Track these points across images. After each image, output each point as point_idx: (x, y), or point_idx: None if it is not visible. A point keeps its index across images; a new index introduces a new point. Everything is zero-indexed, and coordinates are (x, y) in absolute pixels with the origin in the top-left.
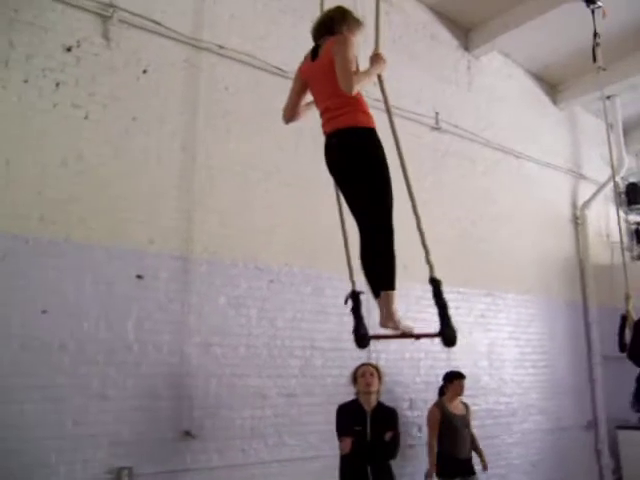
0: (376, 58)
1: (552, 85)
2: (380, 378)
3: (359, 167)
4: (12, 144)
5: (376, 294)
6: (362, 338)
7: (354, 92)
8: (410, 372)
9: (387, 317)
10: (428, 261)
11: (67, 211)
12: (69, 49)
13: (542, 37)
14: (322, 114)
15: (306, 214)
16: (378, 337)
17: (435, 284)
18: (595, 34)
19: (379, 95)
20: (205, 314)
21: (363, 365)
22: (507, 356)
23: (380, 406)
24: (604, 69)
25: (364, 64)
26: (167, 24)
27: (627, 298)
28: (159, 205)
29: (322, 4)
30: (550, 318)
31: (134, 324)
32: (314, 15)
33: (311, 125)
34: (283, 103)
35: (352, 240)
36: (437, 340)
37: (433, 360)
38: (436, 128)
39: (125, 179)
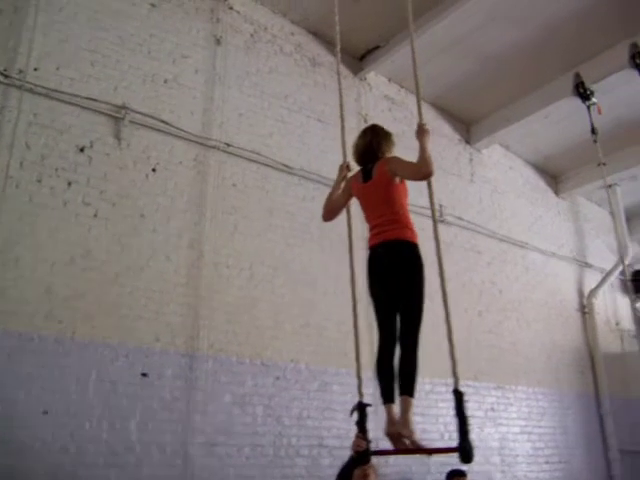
0: (421, 130)
1: (553, 176)
2: (376, 475)
3: (401, 276)
4: (22, 242)
5: (389, 399)
6: (364, 453)
7: (433, 170)
8: (420, 470)
9: (403, 424)
10: (454, 373)
11: (73, 308)
12: (82, 149)
13: (542, 130)
14: (372, 229)
15: (313, 310)
16: (384, 453)
17: (459, 396)
18: (593, 130)
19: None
20: (210, 413)
21: None
22: (520, 451)
23: None
24: (604, 164)
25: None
26: (176, 124)
27: None
28: (166, 302)
29: (342, 119)
30: (562, 411)
31: (137, 424)
32: (319, 114)
33: (318, 221)
34: (290, 198)
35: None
36: (447, 435)
37: (444, 457)
38: (440, 220)
39: (132, 276)
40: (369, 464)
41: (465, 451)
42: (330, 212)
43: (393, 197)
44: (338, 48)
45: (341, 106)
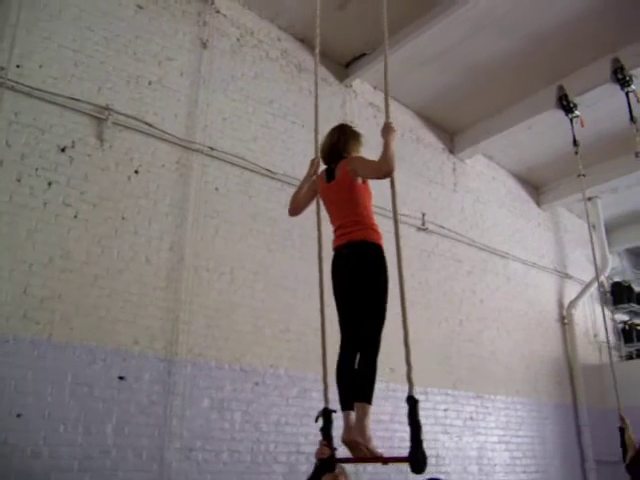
0: (386, 128)
1: (535, 187)
2: None
3: (364, 278)
4: (0, 242)
5: (347, 405)
6: (330, 460)
7: (394, 168)
8: (397, 477)
9: (358, 431)
10: (409, 378)
11: (51, 310)
12: (63, 149)
13: (525, 141)
14: (336, 230)
15: (293, 316)
16: (346, 460)
17: (412, 403)
18: (575, 142)
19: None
20: (188, 418)
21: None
22: (498, 461)
23: None
24: (584, 175)
25: None
26: (160, 126)
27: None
28: (145, 305)
29: (316, 118)
30: (540, 421)
31: (113, 428)
32: (304, 120)
33: (300, 227)
34: (273, 204)
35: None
36: (425, 444)
37: None
38: (423, 229)
39: (111, 278)
40: (340, 470)
41: (417, 461)
42: (295, 209)
43: (356, 198)
44: (317, 50)
45: (316, 106)
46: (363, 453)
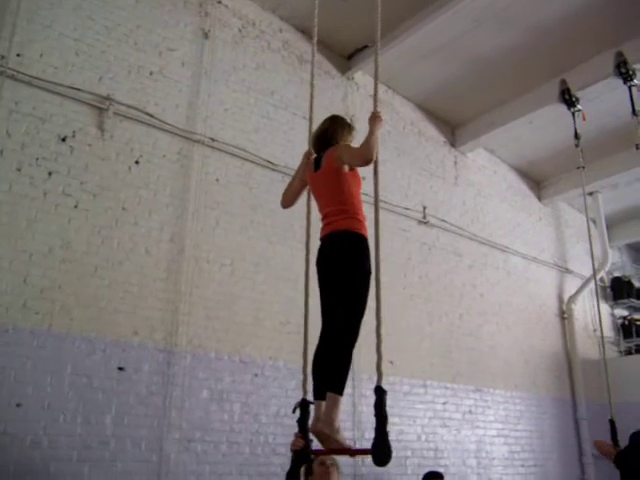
0: (373, 117)
1: (536, 181)
2: (338, 473)
3: (344, 268)
4: (0, 232)
5: (319, 395)
6: (304, 452)
7: (375, 156)
8: (396, 471)
9: (325, 422)
10: (379, 368)
11: (51, 300)
12: (64, 139)
13: (526, 135)
14: (322, 219)
15: (293, 308)
16: (318, 452)
17: (380, 393)
18: (576, 135)
19: (367, 189)
20: (187, 409)
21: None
22: (496, 454)
23: None
24: (583, 167)
25: None
26: (161, 117)
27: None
28: (145, 296)
29: (312, 106)
30: (539, 415)
31: (112, 418)
32: (305, 112)
33: (301, 219)
34: (273, 195)
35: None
36: (424, 437)
37: (421, 458)
38: (424, 222)
39: (111, 269)
40: (332, 462)
41: (380, 453)
42: (287, 200)
43: (342, 186)
44: (315, 40)
45: (311, 95)
46: (331, 444)
